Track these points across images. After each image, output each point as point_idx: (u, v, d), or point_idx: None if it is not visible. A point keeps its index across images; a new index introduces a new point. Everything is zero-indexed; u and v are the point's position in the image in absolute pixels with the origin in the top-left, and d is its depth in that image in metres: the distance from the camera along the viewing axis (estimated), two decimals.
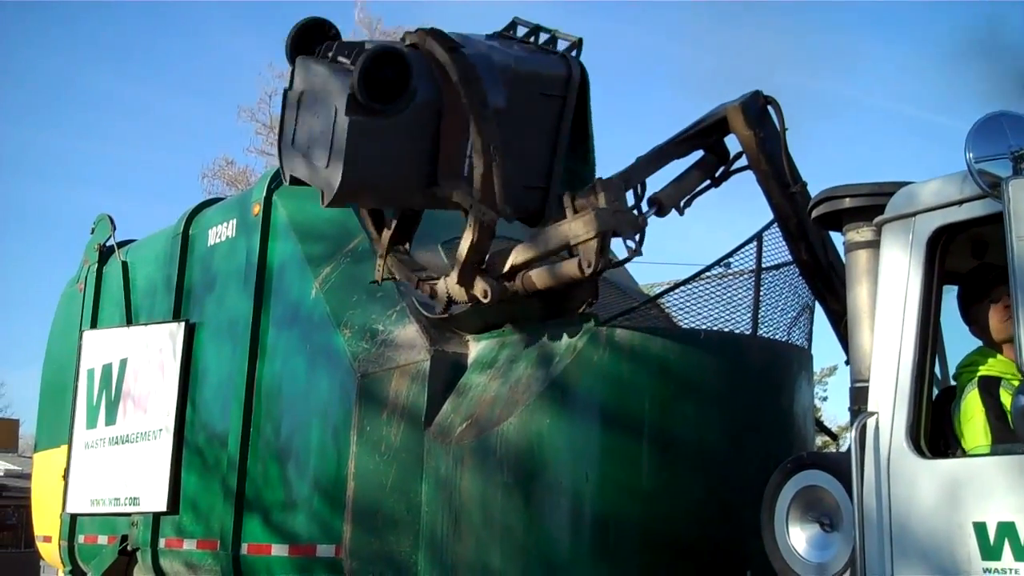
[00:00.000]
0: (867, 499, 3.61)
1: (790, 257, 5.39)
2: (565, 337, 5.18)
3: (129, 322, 8.20)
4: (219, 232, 7.46)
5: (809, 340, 5.69)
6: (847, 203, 4.16)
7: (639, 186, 5.28)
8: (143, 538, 7.36)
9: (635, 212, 5.15)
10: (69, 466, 8.31)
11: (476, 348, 5.69)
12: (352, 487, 5.73)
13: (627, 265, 7.35)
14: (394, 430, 5.65)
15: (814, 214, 4.29)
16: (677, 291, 5.34)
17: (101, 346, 8.29)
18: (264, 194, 6.96)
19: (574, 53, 5.51)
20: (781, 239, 5.39)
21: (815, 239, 5.11)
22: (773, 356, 5.40)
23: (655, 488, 4.99)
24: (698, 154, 5.48)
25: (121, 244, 8.81)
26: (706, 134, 5.40)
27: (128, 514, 7.57)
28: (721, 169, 5.52)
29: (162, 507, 7.17)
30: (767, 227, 5.31)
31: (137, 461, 7.53)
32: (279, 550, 6.20)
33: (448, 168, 5.16)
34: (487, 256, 5.24)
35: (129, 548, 7.51)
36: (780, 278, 5.48)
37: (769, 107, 5.28)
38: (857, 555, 3.59)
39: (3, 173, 57.93)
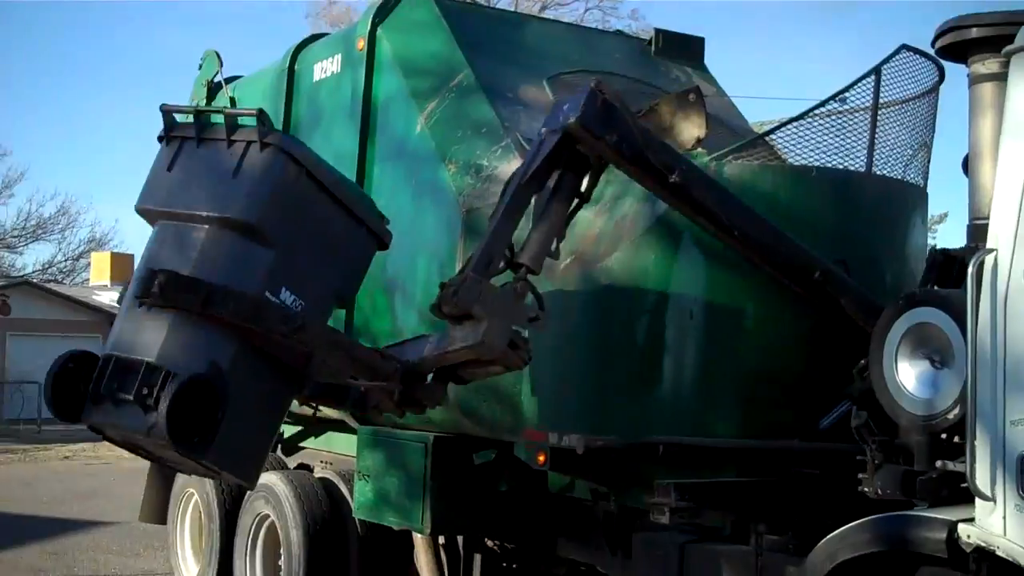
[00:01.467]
0: (982, 336, 3.56)
1: (910, 92, 5.21)
2: None
3: None
4: (324, 67, 7.46)
5: (925, 179, 5.54)
6: (974, 33, 3.99)
7: (508, 252, 4.58)
8: None
9: (515, 295, 4.49)
10: None
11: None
12: None
13: (736, 102, 7.22)
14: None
15: (938, 44, 4.12)
16: (789, 128, 5.20)
17: None
18: (368, 29, 6.90)
19: None
20: (901, 73, 5.21)
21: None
22: (887, 194, 5.28)
23: (760, 324, 4.98)
24: None
25: (228, 80, 8.85)
26: (553, 162, 4.60)
27: None
28: (586, 181, 4.78)
29: None
30: (886, 61, 5.12)
31: None
32: None
33: None
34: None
35: None
36: (898, 114, 5.31)
37: (608, 100, 4.50)
38: (968, 392, 3.56)
39: (114, 18, 58.42)
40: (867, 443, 3.90)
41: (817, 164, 5.11)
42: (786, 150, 5.37)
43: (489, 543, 6.81)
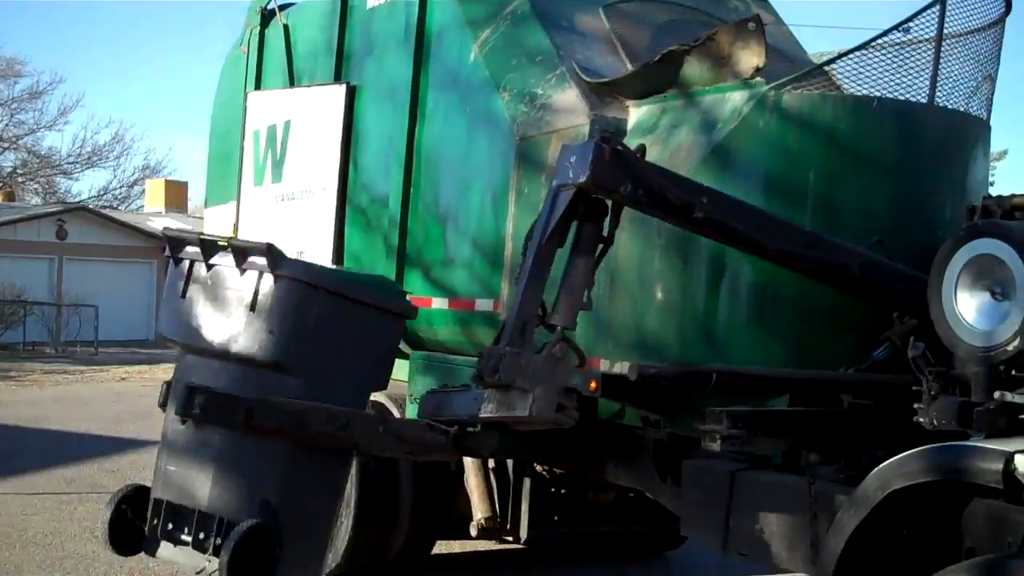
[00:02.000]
0: None
1: (973, 24, 5.11)
2: (730, 102, 5.07)
3: (292, 84, 8.34)
4: None
5: (988, 112, 5.45)
6: None
7: (541, 312, 4.51)
8: None
9: (555, 359, 4.43)
10: (238, 221, 8.66)
11: (637, 113, 5.63)
12: (510, 247, 5.85)
13: (795, 31, 7.12)
14: None
15: None
16: (849, 58, 5.13)
17: (266, 107, 8.48)
18: None
19: None
20: (966, 4, 5.11)
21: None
22: (949, 126, 5.20)
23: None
24: None
25: (283, 7, 8.85)
26: (569, 217, 4.47)
27: None
28: (607, 226, 4.62)
29: (328, 262, 7.45)
30: None
31: (303, 218, 7.80)
32: (439, 303, 6.44)
33: None
34: None
35: None
36: (962, 46, 5.22)
37: (617, 149, 4.34)
38: None
39: None
40: (923, 374, 3.89)
41: (878, 95, 5.04)
42: (846, 81, 5.30)
43: (538, 468, 6.89)
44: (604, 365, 5.36)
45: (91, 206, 41.11)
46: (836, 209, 4.95)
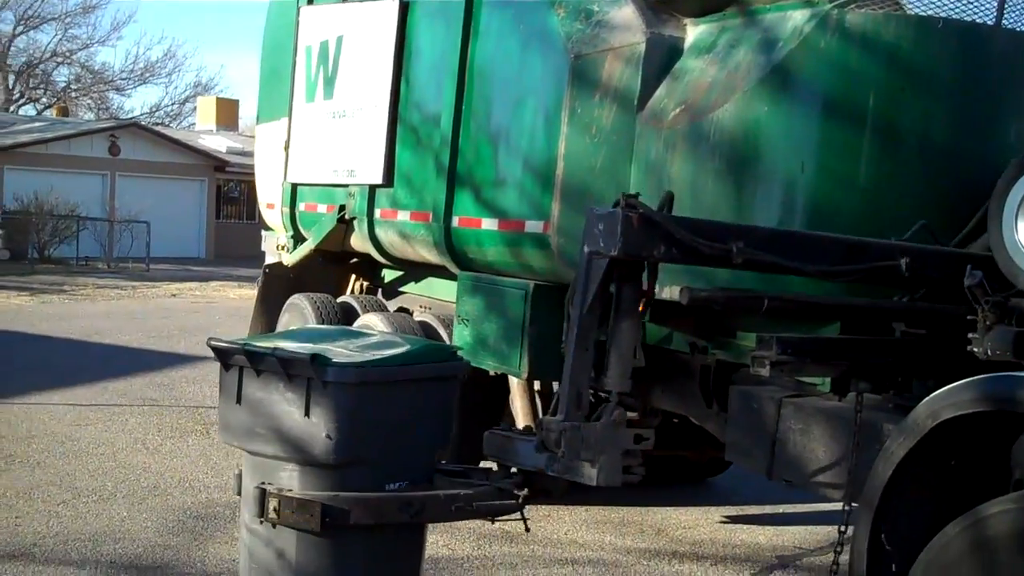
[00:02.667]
0: None
1: None
2: (791, 20, 4.94)
3: None
4: None
5: None
6: None
7: (592, 375, 4.34)
8: (360, 208, 7.70)
9: (616, 425, 4.32)
10: (289, 138, 8.64)
11: (694, 32, 5.52)
12: (562, 167, 5.78)
13: None
14: (606, 113, 5.62)
15: None
16: None
17: (318, 22, 8.41)
18: None
19: None
20: None
21: None
22: (1016, 49, 5.03)
23: (874, 182, 4.85)
24: None
25: None
26: (606, 284, 4.30)
27: (346, 185, 7.90)
28: (646, 279, 4.46)
29: (378, 180, 7.44)
30: None
31: (353, 135, 7.77)
32: (489, 224, 6.40)
33: None
34: None
35: (347, 217, 7.88)
36: None
37: (644, 215, 4.11)
38: None
39: None
40: (980, 303, 3.81)
41: (944, 15, 4.89)
42: (911, 1, 5.15)
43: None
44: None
45: (143, 123, 41.35)
46: (896, 132, 4.83)
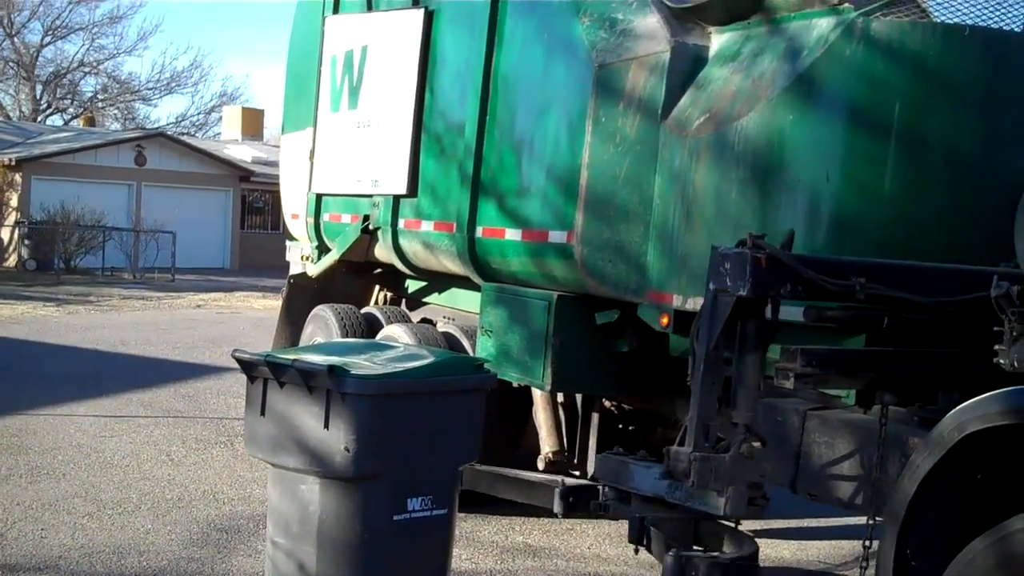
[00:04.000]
0: None
1: None
2: (816, 29, 4.91)
3: (369, 8, 8.27)
4: None
5: None
6: None
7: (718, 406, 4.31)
8: (383, 218, 7.71)
9: (745, 458, 4.25)
10: (314, 148, 8.66)
11: (719, 40, 5.49)
12: (585, 177, 5.77)
13: None
14: (630, 122, 5.60)
15: None
16: None
17: (343, 32, 8.43)
18: None
19: None
20: None
21: None
22: None
23: (900, 192, 4.80)
24: None
25: None
26: (732, 322, 4.23)
27: (370, 195, 7.90)
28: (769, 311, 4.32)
29: (402, 190, 7.44)
30: None
31: (378, 144, 7.77)
32: (512, 234, 6.38)
33: None
34: None
35: (371, 227, 7.89)
36: None
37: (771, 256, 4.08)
38: None
39: None
40: (1006, 314, 3.76)
41: (970, 23, 4.85)
42: (937, 9, 5.11)
43: (607, 403, 6.86)
44: (677, 300, 5.29)
45: (169, 133, 41.61)
46: (922, 142, 4.79)
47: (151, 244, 30.97)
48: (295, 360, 4.58)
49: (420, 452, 4.65)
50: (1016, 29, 4.87)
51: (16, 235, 30.73)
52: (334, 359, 4.65)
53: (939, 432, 3.59)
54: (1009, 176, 4.66)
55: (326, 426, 4.45)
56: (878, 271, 4.27)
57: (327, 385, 4.44)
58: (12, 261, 30.71)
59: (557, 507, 5.91)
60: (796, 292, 4.18)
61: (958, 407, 3.57)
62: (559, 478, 6.07)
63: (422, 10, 7.45)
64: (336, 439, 4.44)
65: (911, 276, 4.35)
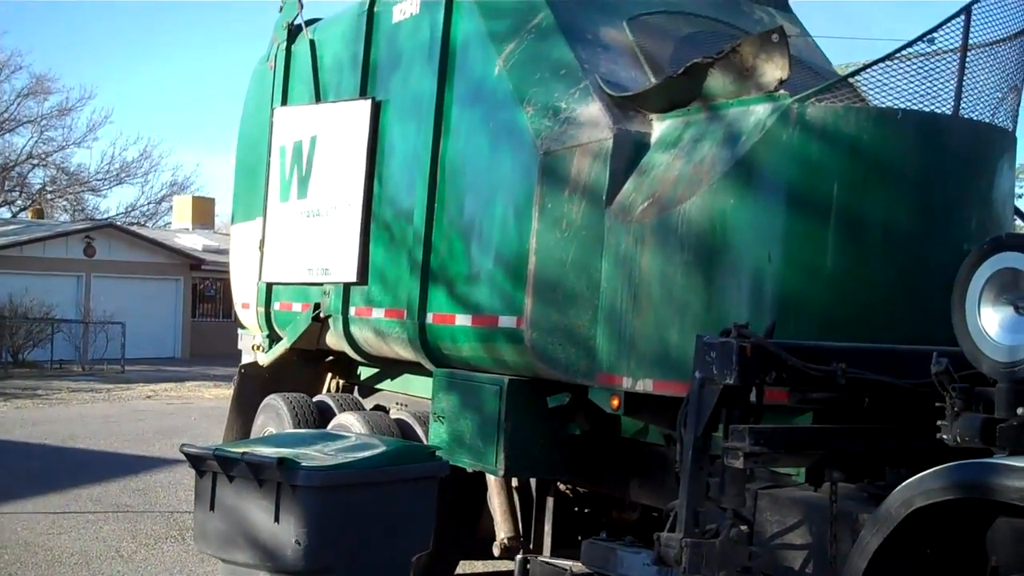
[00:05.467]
0: None
1: (999, 35, 5.05)
2: (753, 115, 5.04)
3: (318, 100, 8.37)
4: (404, 9, 7.46)
5: (1014, 123, 5.39)
6: None
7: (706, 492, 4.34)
8: (334, 306, 7.72)
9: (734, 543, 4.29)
10: (264, 237, 8.69)
11: (660, 127, 5.61)
12: (533, 262, 5.83)
13: (820, 43, 7.08)
14: (575, 208, 5.69)
15: None
16: (874, 69, 5.09)
17: (292, 123, 8.52)
18: None
19: None
20: (991, 14, 5.06)
21: None
22: (974, 138, 5.15)
23: (840, 272, 4.91)
24: None
25: (309, 22, 8.90)
26: (719, 408, 4.32)
27: (320, 283, 7.92)
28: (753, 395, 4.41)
29: (352, 278, 7.47)
30: (976, 0, 4.97)
31: (328, 234, 7.82)
32: (462, 320, 6.42)
33: None
34: None
35: (321, 315, 7.89)
36: (987, 57, 5.17)
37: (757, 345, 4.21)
38: None
39: None
40: (947, 390, 3.83)
41: (903, 107, 5.00)
42: (871, 93, 5.26)
43: (562, 487, 6.84)
44: (627, 382, 5.32)
45: (119, 223, 41.40)
46: (860, 222, 4.91)
47: (100, 335, 30.61)
48: (244, 453, 4.55)
49: (373, 543, 4.61)
50: (947, 111, 5.01)
51: None
52: (284, 451, 4.63)
53: (886, 509, 3.64)
54: (946, 254, 4.77)
55: (276, 519, 4.41)
56: (857, 356, 4.38)
57: (277, 478, 4.41)
58: None
59: None
60: (781, 380, 4.28)
61: (903, 483, 3.62)
62: (568, 564, 6.01)
63: (369, 101, 7.55)
64: (287, 533, 4.40)
65: (889, 359, 4.45)
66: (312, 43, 8.60)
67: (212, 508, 4.62)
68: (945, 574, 3.64)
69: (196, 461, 4.70)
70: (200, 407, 19.57)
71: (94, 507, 10.10)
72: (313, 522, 4.40)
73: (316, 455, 4.69)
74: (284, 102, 8.84)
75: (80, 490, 10.92)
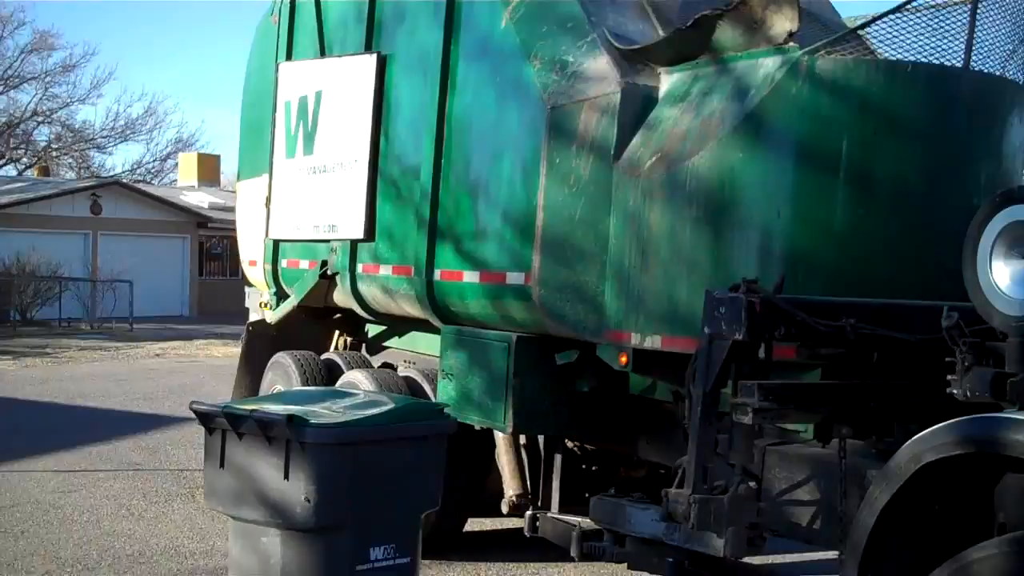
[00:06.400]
0: None
1: None
2: (762, 68, 4.99)
3: (323, 54, 8.31)
4: None
5: None
6: None
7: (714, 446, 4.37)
8: (341, 263, 7.70)
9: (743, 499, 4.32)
10: (271, 194, 8.66)
11: (668, 81, 5.56)
12: (541, 218, 5.80)
13: None
14: (583, 163, 5.65)
15: None
16: (883, 21, 5.03)
17: (297, 78, 8.46)
18: None
19: None
20: None
21: None
22: (984, 91, 5.09)
23: (849, 226, 4.89)
24: None
25: None
26: (728, 363, 4.34)
27: (327, 240, 7.90)
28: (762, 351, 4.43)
29: (359, 235, 7.45)
30: None
31: (334, 190, 7.79)
32: (470, 276, 6.40)
33: None
34: None
35: (329, 272, 7.88)
36: (998, 9, 5.11)
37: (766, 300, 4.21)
38: None
39: None
40: (957, 344, 3.82)
41: (912, 60, 4.95)
42: (881, 45, 5.20)
43: (569, 444, 6.86)
44: (635, 339, 5.31)
45: (125, 180, 41.35)
46: (869, 176, 4.88)
47: (108, 294, 30.65)
48: (253, 410, 4.55)
49: (382, 500, 4.62)
50: (957, 64, 4.96)
51: None
52: (293, 408, 4.63)
53: (895, 464, 3.63)
54: (956, 208, 4.74)
55: (286, 477, 4.42)
56: (866, 311, 4.36)
57: (286, 435, 4.42)
58: None
59: (574, 551, 5.89)
60: (790, 335, 4.27)
61: (913, 438, 3.61)
62: (577, 520, 6.03)
63: (375, 55, 7.49)
64: (296, 490, 4.41)
65: (897, 314, 4.43)
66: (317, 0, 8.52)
67: (222, 465, 4.63)
68: (953, 531, 3.64)
69: (205, 419, 4.70)
70: (209, 365, 19.64)
71: (104, 465, 10.15)
72: (323, 479, 4.40)
73: (325, 412, 4.69)
74: (289, 57, 8.77)
75: (90, 448, 10.98)
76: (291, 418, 4.40)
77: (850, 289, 4.81)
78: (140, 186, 39.88)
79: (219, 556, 6.99)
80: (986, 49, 5.06)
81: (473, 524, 7.54)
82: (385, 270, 7.27)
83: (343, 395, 5.31)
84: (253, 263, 9.35)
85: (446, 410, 5.24)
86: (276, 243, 8.71)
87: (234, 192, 11.61)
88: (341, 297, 7.96)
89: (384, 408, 4.89)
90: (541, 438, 6.69)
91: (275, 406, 4.73)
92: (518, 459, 6.71)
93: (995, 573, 3.11)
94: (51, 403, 14.35)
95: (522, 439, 6.76)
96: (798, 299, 4.36)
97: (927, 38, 4.99)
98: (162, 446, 11.26)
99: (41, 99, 47.61)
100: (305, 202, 8.19)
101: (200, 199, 38.14)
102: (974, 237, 3.89)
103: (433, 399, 6.80)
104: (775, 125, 4.93)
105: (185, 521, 8.04)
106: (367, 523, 4.56)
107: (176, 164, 47.60)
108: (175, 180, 46.25)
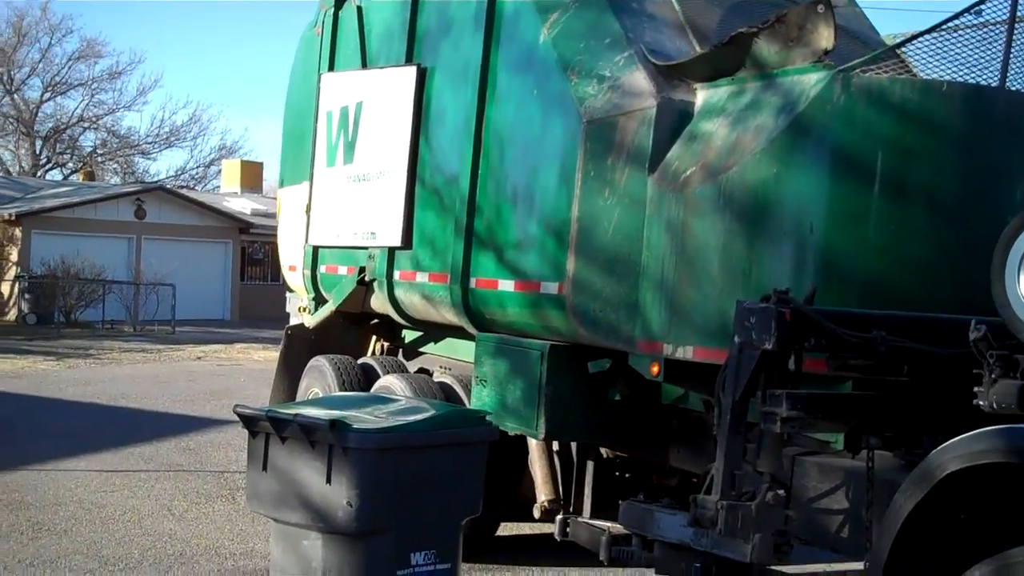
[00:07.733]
0: None
1: None
2: (799, 85, 5.05)
3: (364, 65, 8.44)
4: None
5: None
6: None
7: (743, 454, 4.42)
8: (379, 270, 7.82)
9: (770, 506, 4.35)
10: (311, 202, 8.80)
11: (704, 96, 5.63)
12: (576, 228, 5.89)
13: (868, 13, 7.04)
14: (619, 175, 5.73)
15: None
16: (920, 40, 5.08)
17: (339, 88, 8.59)
18: None
19: None
20: None
21: None
22: (1020, 109, 5.13)
23: (883, 241, 4.92)
24: None
25: None
26: (758, 373, 4.38)
27: (365, 247, 8.02)
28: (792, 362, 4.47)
29: (397, 242, 7.56)
30: None
31: (373, 198, 7.91)
32: (505, 285, 6.50)
33: None
34: None
35: (367, 279, 8.00)
36: None
37: (796, 310, 4.25)
38: None
39: None
40: (985, 357, 3.86)
41: (948, 78, 4.99)
42: (917, 63, 5.25)
43: (602, 451, 6.92)
44: (668, 349, 5.38)
45: (168, 186, 41.81)
46: (904, 192, 4.92)
47: (151, 297, 31.02)
48: (296, 415, 4.64)
49: (423, 506, 4.67)
50: (993, 83, 5.00)
51: (16, 289, 30.80)
52: (335, 413, 4.71)
53: (921, 472, 3.68)
54: (989, 225, 4.76)
55: (328, 481, 4.48)
56: (897, 323, 4.41)
57: (329, 440, 4.48)
58: (12, 315, 30.75)
59: (603, 555, 5.95)
60: (820, 345, 4.32)
61: (938, 448, 3.66)
62: (606, 525, 6.10)
63: (415, 67, 7.61)
64: (338, 494, 4.47)
65: (928, 327, 4.48)
66: (359, 9, 8.66)
67: (265, 468, 4.71)
68: (978, 540, 3.68)
69: (249, 422, 4.79)
70: (249, 369, 19.85)
71: (146, 465, 10.32)
72: (365, 484, 4.45)
73: (367, 418, 4.76)
74: (331, 68, 8.91)
75: (132, 449, 11.16)
76: (334, 423, 4.47)
77: (885, 302, 4.86)
78: (183, 192, 40.32)
79: (259, 558, 7.11)
80: (1022, 68, 5.09)
81: (505, 528, 7.62)
82: (422, 277, 7.38)
83: (385, 400, 5.39)
84: (293, 268, 9.50)
85: (487, 418, 5.31)
86: (315, 249, 8.85)
87: (276, 199, 11.77)
88: (378, 303, 8.07)
89: (426, 415, 4.96)
90: (574, 445, 6.76)
91: (317, 411, 4.81)
92: (551, 465, 6.78)
93: None
94: (94, 404, 14.57)
95: (555, 446, 6.83)
96: (828, 311, 4.41)
97: (964, 56, 5.03)
98: (203, 448, 11.42)
99: (88, 105, 48.31)
100: (344, 210, 8.32)
101: (243, 205, 38.50)
102: (1003, 252, 3.93)
103: (468, 405, 6.88)
104: (811, 139, 4.98)
105: (226, 522, 8.17)
106: (408, 528, 4.61)
107: (219, 171, 48.08)
108: (218, 187, 46.72)
